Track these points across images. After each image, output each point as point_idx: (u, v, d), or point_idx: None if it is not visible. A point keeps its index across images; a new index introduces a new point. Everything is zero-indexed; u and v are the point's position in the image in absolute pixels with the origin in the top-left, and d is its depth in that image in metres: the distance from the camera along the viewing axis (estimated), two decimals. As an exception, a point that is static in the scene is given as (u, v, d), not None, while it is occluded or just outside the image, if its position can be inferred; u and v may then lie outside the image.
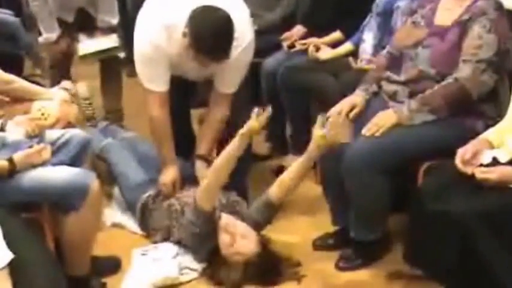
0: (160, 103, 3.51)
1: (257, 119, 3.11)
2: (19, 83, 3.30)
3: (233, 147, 3.16)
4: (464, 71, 2.94)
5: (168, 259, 3.29)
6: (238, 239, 3.17)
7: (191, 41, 3.21)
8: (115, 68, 4.84)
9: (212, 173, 3.22)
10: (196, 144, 3.71)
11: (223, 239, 3.18)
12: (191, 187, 3.51)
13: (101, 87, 4.88)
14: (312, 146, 3.13)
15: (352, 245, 3.26)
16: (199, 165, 3.60)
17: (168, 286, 3.18)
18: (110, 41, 4.58)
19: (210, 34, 3.17)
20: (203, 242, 3.25)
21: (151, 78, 3.49)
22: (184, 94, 3.82)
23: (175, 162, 3.59)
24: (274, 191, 3.30)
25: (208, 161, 3.54)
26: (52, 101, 3.29)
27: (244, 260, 3.14)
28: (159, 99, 3.50)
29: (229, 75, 3.53)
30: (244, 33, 3.38)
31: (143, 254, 3.36)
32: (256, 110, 3.12)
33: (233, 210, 3.39)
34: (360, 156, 2.99)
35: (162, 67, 3.45)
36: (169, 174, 3.56)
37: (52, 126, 3.14)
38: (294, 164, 3.27)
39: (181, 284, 3.21)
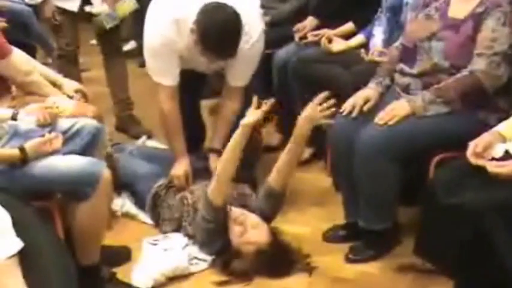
0: (170, 96, 3.53)
1: (257, 109, 3.12)
2: (37, 77, 3.31)
3: (236, 138, 3.18)
4: (479, 64, 2.93)
5: (178, 249, 3.29)
6: (249, 229, 3.18)
7: (198, 38, 3.23)
8: (118, 57, 4.84)
9: (219, 166, 3.24)
10: (209, 138, 3.71)
11: (235, 229, 3.20)
12: (204, 181, 3.51)
13: (106, 78, 4.88)
14: (296, 128, 3.24)
15: (362, 237, 3.26)
16: (213, 158, 3.62)
17: (177, 276, 3.18)
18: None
19: (216, 33, 3.19)
20: (215, 237, 3.26)
21: (161, 72, 3.51)
22: (194, 85, 3.82)
23: (186, 154, 3.59)
24: (273, 178, 3.33)
25: (219, 153, 3.53)
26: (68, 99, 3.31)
27: (256, 249, 3.15)
28: (169, 93, 3.53)
29: (240, 69, 3.54)
30: (253, 27, 3.39)
31: (153, 244, 3.36)
32: (255, 100, 3.12)
33: (242, 204, 3.40)
34: (371, 143, 3.00)
35: (172, 61, 3.47)
36: (182, 166, 3.56)
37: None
38: (286, 148, 3.32)
39: (191, 274, 3.21)
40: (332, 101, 3.19)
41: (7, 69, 3.22)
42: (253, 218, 3.24)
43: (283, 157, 3.32)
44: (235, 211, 3.27)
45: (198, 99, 4.10)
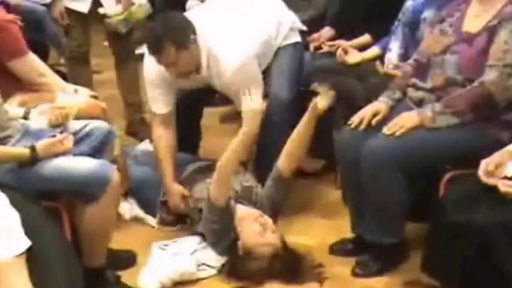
0: (162, 124, 3.59)
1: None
2: (50, 80, 3.34)
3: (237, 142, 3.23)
4: (490, 75, 2.91)
5: (186, 254, 3.29)
6: (268, 230, 3.18)
7: None
8: (130, 60, 4.83)
9: (220, 163, 3.24)
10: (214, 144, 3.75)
11: (253, 228, 3.18)
12: (200, 182, 3.52)
13: (118, 80, 4.88)
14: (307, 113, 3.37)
15: (369, 251, 3.24)
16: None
17: (185, 281, 3.18)
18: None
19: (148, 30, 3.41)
20: (222, 237, 3.26)
21: (155, 100, 3.59)
22: (198, 92, 3.81)
23: (175, 182, 3.57)
24: (282, 162, 3.38)
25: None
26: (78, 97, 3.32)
27: (273, 252, 3.14)
28: (161, 121, 3.59)
29: (233, 94, 3.56)
30: (231, 57, 3.40)
31: (162, 248, 3.36)
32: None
33: (249, 199, 3.40)
34: (378, 153, 2.98)
35: (163, 89, 3.54)
36: (175, 195, 3.55)
37: (76, 118, 3.14)
38: (294, 132, 3.39)
39: (198, 280, 3.21)
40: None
41: (23, 68, 3.25)
42: (271, 223, 3.24)
43: (293, 139, 3.37)
44: (253, 212, 3.28)
45: (202, 106, 4.10)
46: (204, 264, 3.25)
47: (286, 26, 3.75)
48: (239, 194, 3.41)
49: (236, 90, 3.47)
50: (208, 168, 3.53)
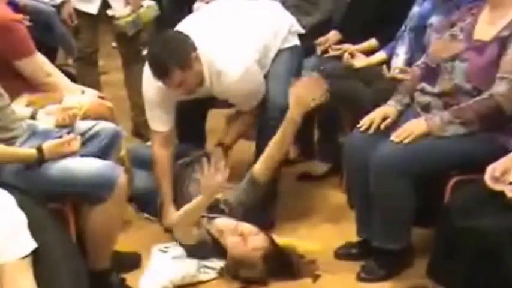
0: (161, 143, 3.60)
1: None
2: (57, 80, 3.34)
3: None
4: (500, 88, 2.91)
5: (187, 257, 3.29)
6: (250, 236, 3.17)
7: None
8: (138, 62, 4.80)
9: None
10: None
11: (234, 240, 3.18)
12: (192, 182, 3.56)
13: (125, 81, 4.88)
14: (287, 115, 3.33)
15: (374, 256, 3.24)
16: (216, 151, 3.67)
17: (186, 284, 3.17)
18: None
19: (149, 56, 3.37)
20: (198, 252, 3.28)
21: (155, 118, 3.60)
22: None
23: (171, 201, 3.58)
24: (259, 166, 3.39)
25: (226, 148, 3.67)
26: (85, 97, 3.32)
27: (263, 254, 3.13)
28: (160, 139, 3.59)
29: (237, 100, 3.61)
30: (232, 66, 3.40)
31: (163, 251, 3.36)
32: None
33: (219, 210, 3.39)
34: (386, 161, 2.98)
35: (164, 108, 3.55)
36: (169, 222, 3.54)
37: (83, 118, 3.15)
38: (274, 138, 3.37)
39: (199, 282, 3.20)
40: (322, 80, 3.30)
41: (31, 67, 3.25)
42: (247, 226, 3.23)
43: (271, 147, 3.37)
44: (227, 223, 3.26)
45: (207, 108, 4.10)
46: (205, 266, 3.25)
47: (285, 28, 3.74)
48: (210, 208, 3.37)
49: (241, 97, 3.51)
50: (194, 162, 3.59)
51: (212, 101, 3.93)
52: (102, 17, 4.58)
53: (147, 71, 3.48)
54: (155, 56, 3.32)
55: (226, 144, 3.70)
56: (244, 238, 3.17)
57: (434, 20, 3.61)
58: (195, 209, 3.19)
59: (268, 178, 3.39)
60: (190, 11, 5.63)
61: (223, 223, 3.28)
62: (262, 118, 3.59)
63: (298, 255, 3.23)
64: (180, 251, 3.35)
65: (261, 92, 3.57)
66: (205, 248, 3.27)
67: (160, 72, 3.30)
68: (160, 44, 3.35)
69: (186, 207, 3.21)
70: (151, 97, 3.56)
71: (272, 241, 3.19)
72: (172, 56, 3.26)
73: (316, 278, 3.16)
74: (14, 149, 2.76)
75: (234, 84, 3.41)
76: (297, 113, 3.32)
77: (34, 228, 2.33)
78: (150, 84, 3.50)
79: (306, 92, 3.33)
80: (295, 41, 3.78)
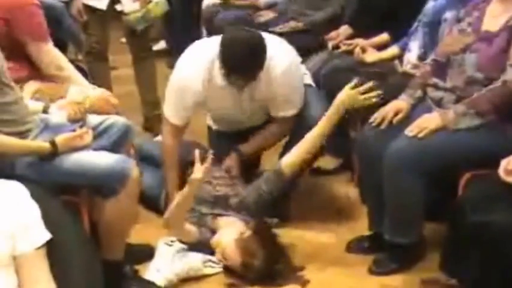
0: (173, 134, 3.59)
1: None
2: (68, 75, 3.34)
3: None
4: (511, 74, 2.90)
5: (192, 251, 3.30)
6: (224, 250, 3.16)
7: (220, 61, 3.29)
8: (148, 57, 4.83)
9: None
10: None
11: (219, 257, 3.19)
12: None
13: (135, 77, 4.87)
14: (335, 102, 3.32)
15: (386, 250, 3.23)
16: (232, 157, 3.65)
17: (191, 277, 3.19)
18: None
19: (239, 48, 3.25)
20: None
21: (172, 107, 3.55)
22: None
23: (175, 191, 3.53)
24: (287, 158, 3.38)
25: (242, 156, 3.63)
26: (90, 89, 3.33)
27: (241, 264, 3.12)
28: (173, 131, 3.59)
29: (282, 96, 3.51)
30: (279, 58, 3.40)
31: (169, 244, 3.36)
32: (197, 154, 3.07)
33: (226, 207, 3.40)
34: (400, 156, 2.98)
35: (187, 104, 3.49)
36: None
37: (91, 111, 3.15)
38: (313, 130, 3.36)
39: (204, 276, 3.22)
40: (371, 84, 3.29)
41: (44, 55, 3.26)
42: (224, 237, 3.21)
43: (306, 140, 3.37)
44: (226, 232, 3.25)
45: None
46: (210, 260, 3.26)
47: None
48: (215, 203, 3.41)
49: (282, 96, 3.49)
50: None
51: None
52: (112, 13, 4.58)
53: (193, 67, 3.44)
54: (244, 60, 3.27)
55: (242, 153, 3.67)
56: (221, 252, 3.16)
57: (448, 15, 3.59)
58: (182, 202, 3.15)
59: (294, 173, 3.38)
60: (199, 6, 5.65)
61: (223, 233, 3.25)
62: (295, 128, 3.57)
63: (287, 262, 3.22)
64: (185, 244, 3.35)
65: (300, 98, 3.56)
66: (206, 246, 3.27)
67: (249, 78, 3.32)
68: (248, 47, 3.28)
69: (175, 201, 3.18)
70: (181, 84, 3.48)
71: (265, 241, 3.17)
72: (261, 61, 3.30)
73: (304, 284, 3.13)
74: (27, 142, 2.76)
75: (280, 77, 3.40)
76: (347, 101, 3.31)
77: (47, 220, 2.33)
78: (195, 79, 3.42)
79: (362, 90, 3.30)
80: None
